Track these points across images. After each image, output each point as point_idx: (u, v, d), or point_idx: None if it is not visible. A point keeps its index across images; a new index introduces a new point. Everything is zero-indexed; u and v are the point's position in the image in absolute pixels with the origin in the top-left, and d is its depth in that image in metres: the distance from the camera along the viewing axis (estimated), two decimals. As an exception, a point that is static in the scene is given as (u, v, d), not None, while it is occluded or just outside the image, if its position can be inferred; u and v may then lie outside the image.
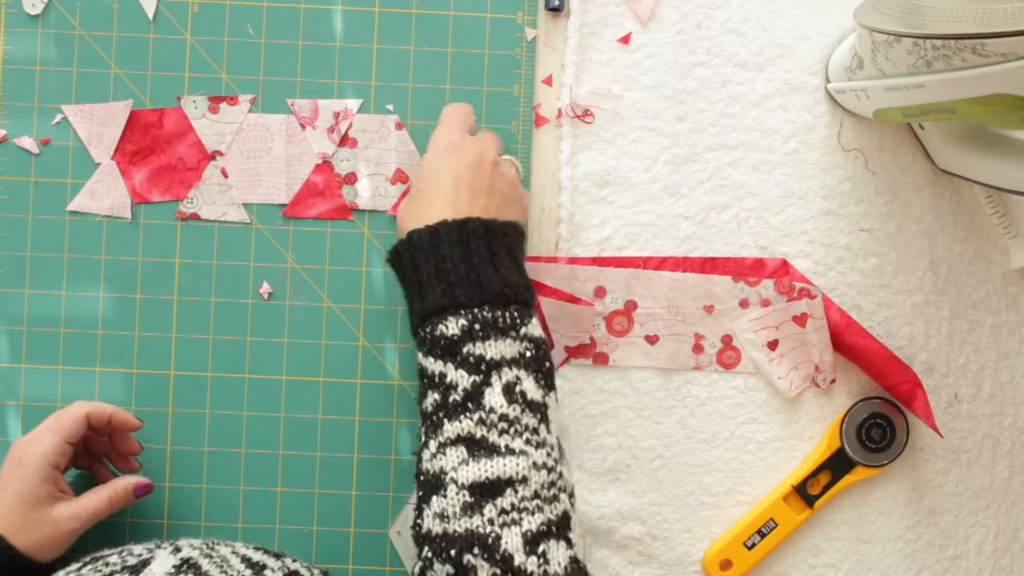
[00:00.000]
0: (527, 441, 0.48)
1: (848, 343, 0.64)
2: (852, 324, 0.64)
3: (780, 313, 0.64)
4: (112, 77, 0.64)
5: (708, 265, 0.64)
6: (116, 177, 0.64)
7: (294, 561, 0.51)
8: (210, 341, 0.64)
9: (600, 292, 0.64)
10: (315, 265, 0.64)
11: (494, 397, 0.49)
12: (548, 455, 0.48)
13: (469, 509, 0.46)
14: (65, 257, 0.63)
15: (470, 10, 0.64)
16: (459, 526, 0.46)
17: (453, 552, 0.46)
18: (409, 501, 0.64)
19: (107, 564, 0.45)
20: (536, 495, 0.47)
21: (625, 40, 0.64)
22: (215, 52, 0.64)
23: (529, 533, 0.46)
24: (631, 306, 0.64)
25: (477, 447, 0.48)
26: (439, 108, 0.64)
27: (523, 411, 0.49)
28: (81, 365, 0.63)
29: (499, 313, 0.50)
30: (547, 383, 0.51)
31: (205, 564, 0.46)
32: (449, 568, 0.45)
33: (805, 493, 0.64)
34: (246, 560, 0.48)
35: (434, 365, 0.50)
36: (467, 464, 0.47)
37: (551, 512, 0.47)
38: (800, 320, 0.64)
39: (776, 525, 0.63)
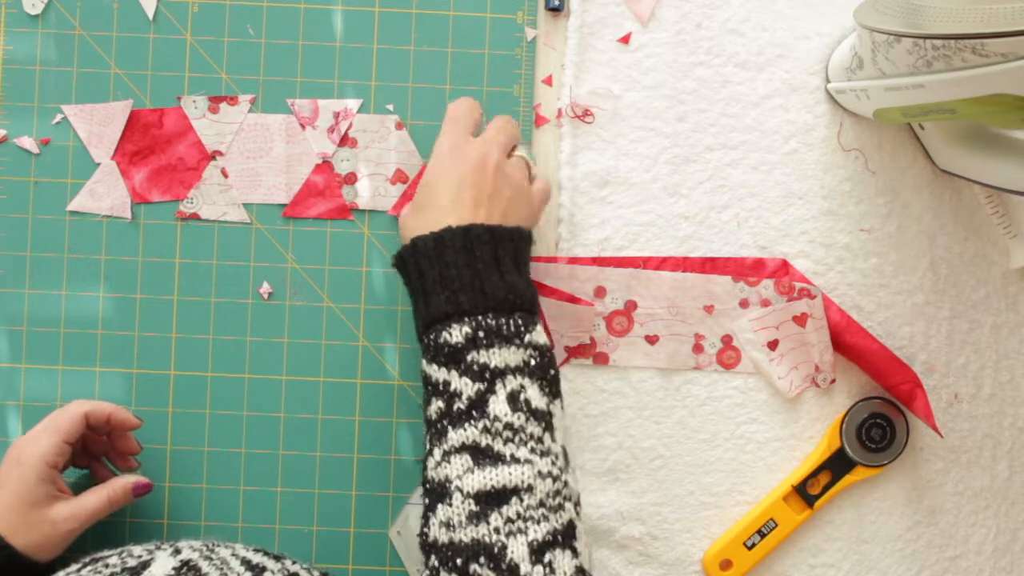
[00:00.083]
0: (532, 450, 0.48)
1: (848, 343, 0.64)
2: (852, 324, 0.64)
3: (780, 313, 0.64)
4: (112, 77, 0.64)
5: (708, 265, 0.64)
6: (116, 177, 0.64)
7: (294, 563, 0.51)
8: (210, 341, 0.64)
9: (600, 292, 0.64)
10: (315, 265, 0.64)
11: (499, 405, 0.48)
12: (553, 463, 0.48)
13: (475, 518, 0.46)
14: (65, 257, 0.63)
15: (470, 10, 0.64)
16: (465, 535, 0.46)
17: (459, 561, 0.45)
18: (409, 501, 0.64)
19: (107, 565, 0.45)
20: (541, 504, 0.47)
21: (625, 40, 0.64)
22: (215, 52, 0.64)
23: (535, 542, 0.46)
24: (631, 306, 0.64)
25: (482, 456, 0.48)
26: (439, 108, 0.64)
27: (528, 419, 0.49)
28: (81, 365, 0.63)
29: (503, 320, 0.50)
30: (552, 391, 0.51)
31: (205, 566, 0.46)
32: None
33: (805, 493, 0.64)
34: (246, 562, 0.48)
35: (438, 373, 0.50)
36: (472, 473, 0.47)
37: (557, 521, 0.47)
38: (800, 320, 0.64)
39: (776, 525, 0.63)
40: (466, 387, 0.49)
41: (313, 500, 0.64)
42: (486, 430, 0.48)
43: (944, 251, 0.65)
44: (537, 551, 0.45)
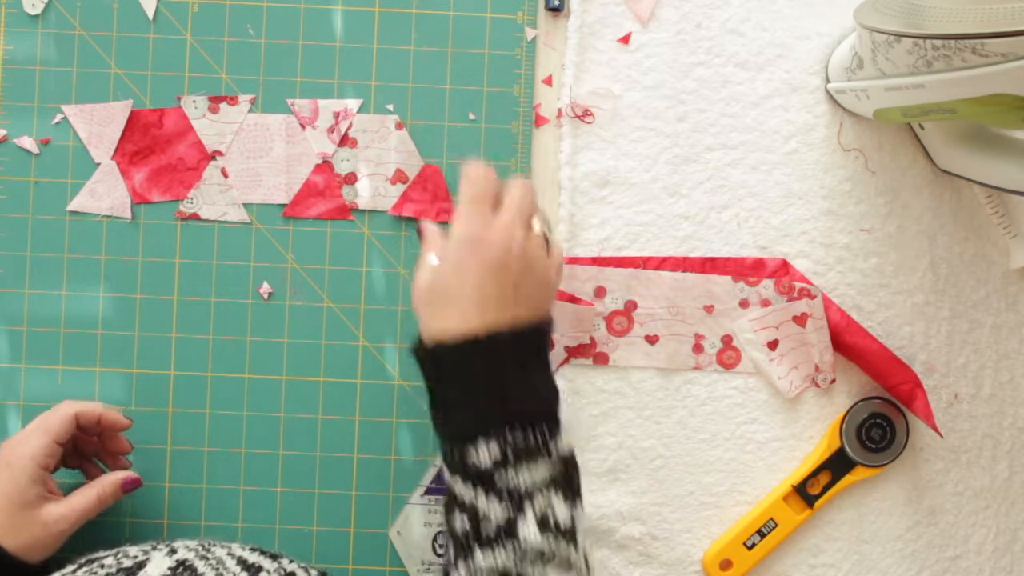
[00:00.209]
0: (558, 567, 0.48)
1: (848, 343, 0.64)
2: (852, 324, 0.64)
3: (780, 313, 0.64)
4: (112, 77, 0.64)
5: (708, 265, 0.64)
6: (116, 177, 0.64)
7: (291, 562, 0.51)
8: (210, 341, 0.64)
9: (600, 292, 0.64)
10: (315, 265, 0.64)
11: (528, 529, 0.47)
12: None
13: None
14: (65, 257, 0.63)
15: (470, 10, 0.64)
16: None
17: None
18: (409, 501, 0.64)
19: (103, 566, 0.45)
20: None
21: (625, 40, 0.64)
22: (215, 52, 0.64)
23: None
24: (631, 306, 0.64)
25: None
26: (439, 108, 0.64)
27: (556, 540, 0.48)
28: (81, 365, 0.63)
29: (530, 433, 0.48)
30: (575, 496, 0.50)
31: (201, 566, 0.46)
32: None
33: (805, 493, 0.64)
34: (242, 562, 0.48)
35: (464, 491, 0.48)
36: None
37: None
38: (800, 320, 0.64)
39: (776, 525, 0.63)
40: (495, 511, 0.48)
41: (313, 500, 0.64)
42: (515, 556, 0.47)
43: (944, 251, 0.65)
44: None
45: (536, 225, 0.53)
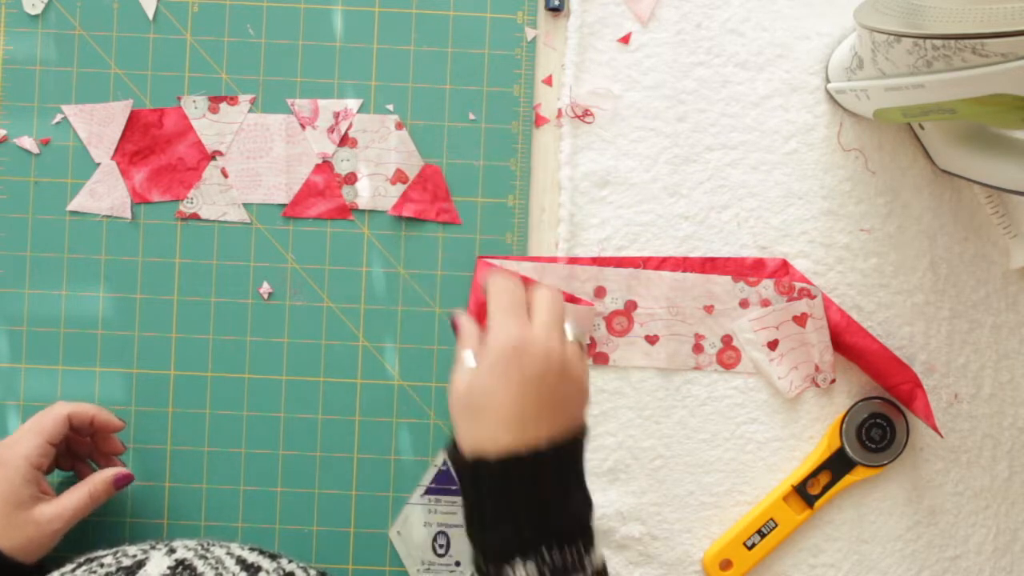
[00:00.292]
0: None
1: (848, 343, 0.64)
2: (852, 324, 0.64)
3: (780, 313, 0.64)
4: (112, 77, 0.64)
5: (708, 265, 0.64)
6: (116, 177, 0.64)
7: (290, 562, 0.51)
8: (210, 341, 0.64)
9: (600, 292, 0.64)
10: (315, 265, 0.64)
11: None
12: None
13: None
14: (65, 257, 0.63)
15: (470, 10, 0.64)
16: None
17: None
18: (409, 501, 0.64)
19: (102, 565, 0.45)
20: None
21: (625, 40, 0.64)
22: (215, 52, 0.64)
23: None
24: (631, 306, 0.64)
25: None
26: (439, 108, 0.64)
27: None
28: (81, 365, 0.63)
29: (567, 551, 0.48)
30: None
31: (200, 565, 0.46)
32: None
33: (805, 493, 0.64)
34: (241, 561, 0.48)
35: None
36: None
37: None
38: (800, 320, 0.64)
39: (776, 525, 0.63)
40: None
41: (313, 500, 0.64)
42: None
43: (944, 251, 0.65)
44: None
45: (569, 331, 0.52)
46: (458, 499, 0.64)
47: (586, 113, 0.64)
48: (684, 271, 0.64)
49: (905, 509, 0.65)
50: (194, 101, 0.64)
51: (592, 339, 0.64)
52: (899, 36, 0.50)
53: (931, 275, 0.65)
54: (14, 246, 0.63)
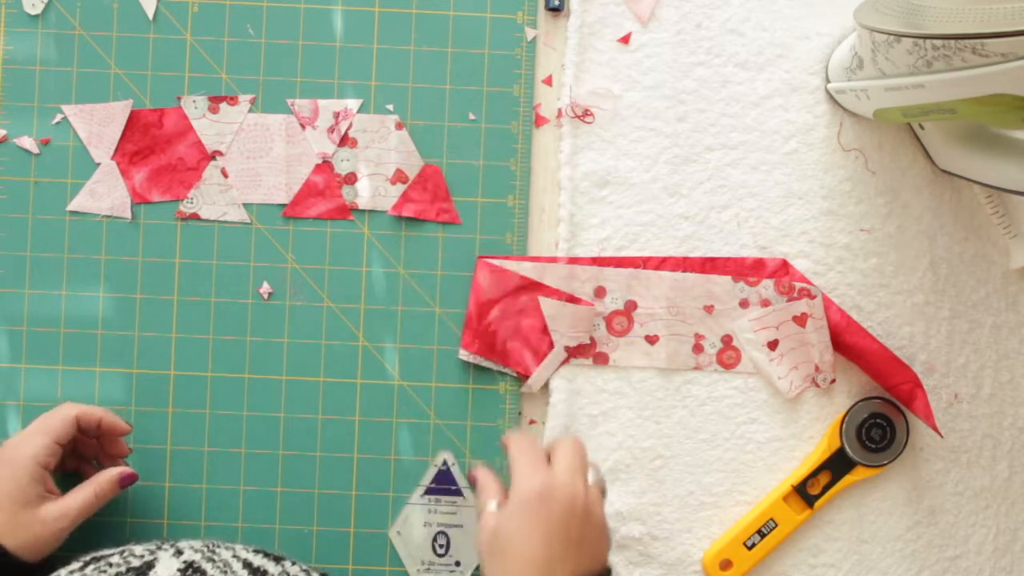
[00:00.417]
0: None
1: (848, 343, 0.64)
2: (852, 324, 0.64)
3: (780, 313, 0.64)
4: (112, 77, 0.64)
5: (708, 265, 0.64)
6: (116, 177, 0.64)
7: (293, 564, 0.51)
8: (210, 341, 0.64)
9: (600, 292, 0.64)
10: (315, 265, 0.64)
11: None
12: None
13: None
14: (65, 257, 0.63)
15: (470, 10, 0.64)
16: None
17: None
18: (409, 501, 0.64)
19: (110, 565, 0.45)
20: None
21: (625, 40, 0.64)
22: (215, 52, 0.64)
23: None
24: (631, 306, 0.64)
25: None
26: (439, 108, 0.64)
27: None
28: (81, 365, 0.63)
29: None
30: None
31: (209, 568, 0.46)
32: None
33: (805, 493, 0.64)
34: (247, 565, 0.48)
35: None
36: None
37: None
38: (800, 320, 0.64)
39: (776, 525, 0.63)
40: None
41: (313, 500, 0.64)
42: None
43: (944, 251, 0.65)
44: None
45: (591, 476, 0.54)
46: (458, 499, 0.64)
47: (586, 113, 0.64)
48: (684, 271, 0.64)
49: (905, 509, 0.65)
50: (194, 101, 0.64)
51: (592, 339, 0.64)
52: (899, 36, 0.50)
53: (931, 275, 0.65)
54: (14, 246, 0.63)
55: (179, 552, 0.47)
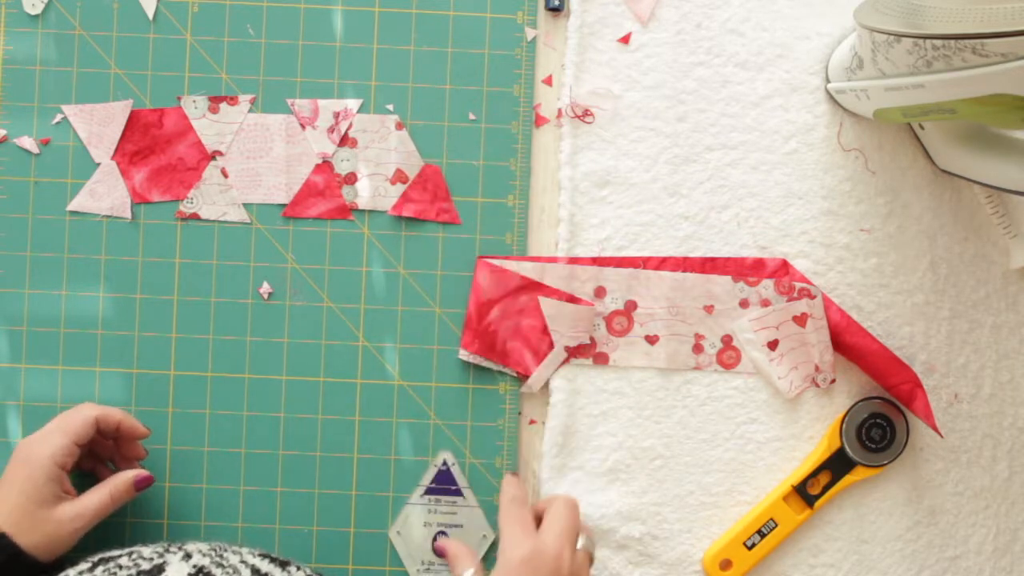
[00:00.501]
0: None
1: (848, 343, 0.64)
2: (852, 324, 0.64)
3: (780, 313, 0.64)
4: (112, 77, 0.64)
5: (708, 265, 0.64)
6: (116, 177, 0.64)
7: (298, 569, 0.51)
8: (210, 341, 0.64)
9: (600, 292, 0.64)
10: (315, 265, 0.64)
11: None
12: None
13: None
14: (65, 257, 0.63)
15: (470, 10, 0.64)
16: None
17: None
18: (409, 501, 0.64)
19: (120, 567, 0.45)
20: None
21: (625, 40, 0.64)
22: (215, 52, 0.64)
23: None
24: (631, 306, 0.64)
25: None
26: (439, 108, 0.64)
27: None
28: (81, 365, 0.63)
29: None
30: None
31: (219, 573, 0.46)
32: None
33: (805, 493, 0.64)
34: (256, 571, 0.48)
35: None
36: None
37: None
38: (800, 320, 0.64)
39: (776, 525, 0.63)
40: None
41: (313, 500, 0.64)
42: None
43: (944, 251, 0.65)
44: None
45: (580, 541, 0.56)
46: (458, 499, 0.64)
47: (586, 113, 0.64)
48: (684, 271, 0.64)
49: (905, 509, 0.65)
50: (194, 101, 0.64)
51: (592, 339, 0.64)
52: (899, 36, 0.50)
53: (931, 275, 0.65)
54: (14, 246, 0.63)
55: (188, 556, 0.47)
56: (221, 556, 0.48)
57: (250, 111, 0.64)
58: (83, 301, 0.63)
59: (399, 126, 0.64)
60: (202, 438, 0.63)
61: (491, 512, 0.64)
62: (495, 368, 0.64)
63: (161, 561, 0.46)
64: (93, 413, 0.57)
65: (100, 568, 0.45)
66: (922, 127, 0.63)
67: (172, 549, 0.48)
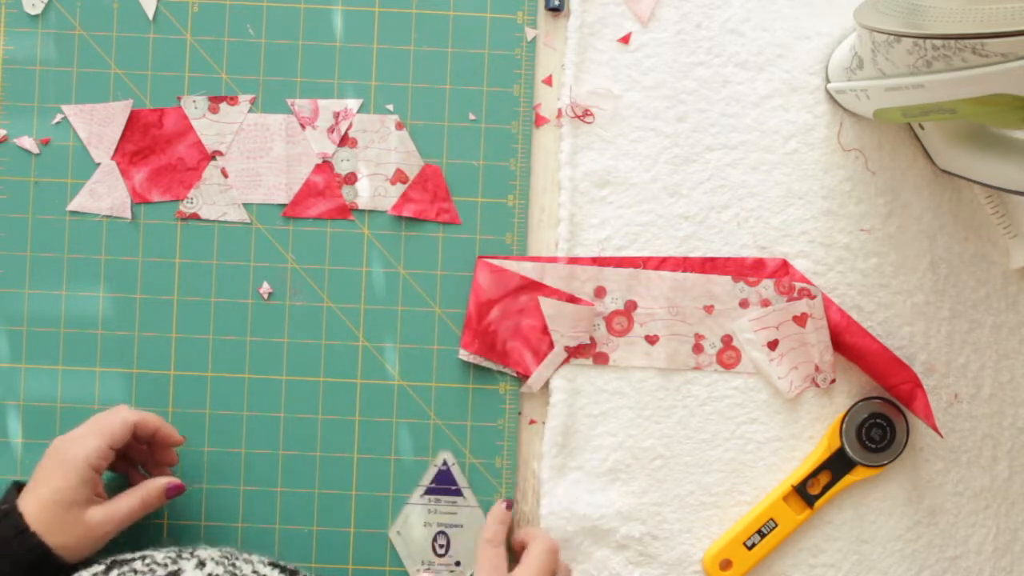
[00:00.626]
0: None
1: (848, 343, 0.64)
2: (852, 324, 0.64)
3: (780, 313, 0.64)
4: (112, 77, 0.64)
5: (708, 265, 0.64)
6: (116, 177, 0.64)
7: None
8: (210, 341, 0.64)
9: (600, 292, 0.64)
10: (315, 265, 0.64)
11: None
12: None
13: None
14: (65, 257, 0.63)
15: (470, 10, 0.64)
16: None
17: None
18: (409, 501, 0.64)
19: (134, 571, 0.45)
20: None
21: (625, 40, 0.64)
22: (215, 52, 0.64)
23: None
24: (631, 306, 0.64)
25: None
26: (439, 108, 0.64)
27: None
28: (81, 365, 0.63)
29: None
30: None
31: None
32: None
33: (805, 493, 0.64)
34: None
35: None
36: None
37: None
38: (800, 320, 0.64)
39: (776, 525, 0.63)
40: None
41: (313, 500, 0.64)
42: None
43: (944, 251, 0.65)
44: None
45: None
46: (458, 499, 0.64)
47: (586, 113, 0.64)
48: (684, 271, 0.64)
49: (905, 509, 0.65)
50: (194, 101, 0.64)
51: (592, 339, 0.64)
52: (899, 36, 0.50)
53: (931, 275, 0.65)
54: (14, 246, 0.63)
55: (202, 564, 0.47)
56: (233, 564, 0.48)
57: (250, 111, 0.64)
58: (83, 301, 0.63)
59: (399, 126, 0.64)
60: (202, 438, 0.63)
61: (491, 512, 0.64)
62: (495, 368, 0.64)
63: (176, 568, 0.46)
64: (132, 418, 0.57)
65: (114, 571, 0.45)
66: (922, 127, 0.63)
67: (184, 555, 0.48)
